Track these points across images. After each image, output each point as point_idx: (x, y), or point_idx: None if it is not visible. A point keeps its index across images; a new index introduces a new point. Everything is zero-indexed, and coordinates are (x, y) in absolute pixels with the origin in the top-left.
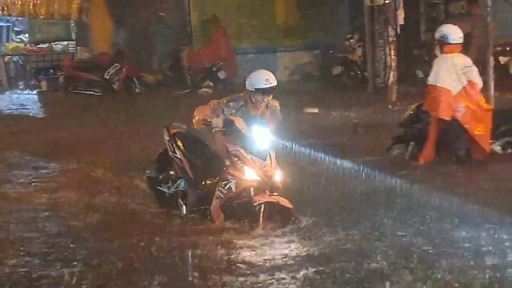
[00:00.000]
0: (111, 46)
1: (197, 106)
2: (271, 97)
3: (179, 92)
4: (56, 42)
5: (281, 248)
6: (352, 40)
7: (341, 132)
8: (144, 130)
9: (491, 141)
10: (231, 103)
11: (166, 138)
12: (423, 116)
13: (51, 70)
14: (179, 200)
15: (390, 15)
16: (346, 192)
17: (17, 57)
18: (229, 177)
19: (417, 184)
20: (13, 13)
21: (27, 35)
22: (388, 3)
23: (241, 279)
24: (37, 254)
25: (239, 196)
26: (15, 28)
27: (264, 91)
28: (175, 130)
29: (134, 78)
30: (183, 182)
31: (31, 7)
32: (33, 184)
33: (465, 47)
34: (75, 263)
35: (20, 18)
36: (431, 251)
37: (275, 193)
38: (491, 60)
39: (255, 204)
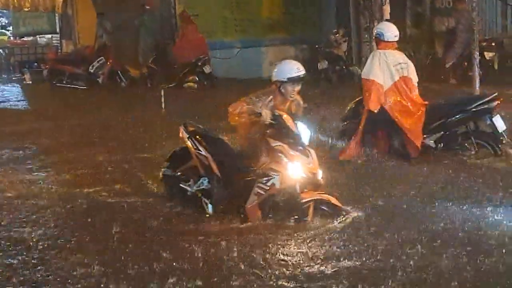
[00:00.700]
0: (96, 39)
1: (183, 100)
2: (300, 86)
3: (164, 85)
4: (40, 35)
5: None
6: (337, 35)
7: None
8: (129, 124)
9: (424, 136)
10: (263, 97)
11: (185, 135)
12: (362, 111)
13: (35, 63)
14: (203, 199)
15: (376, 10)
16: None
17: (0, 50)
18: (272, 173)
19: None
20: None
21: (11, 28)
22: None
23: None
24: None
25: (282, 192)
26: None
27: (296, 80)
28: (193, 128)
29: (119, 72)
30: (206, 180)
31: (15, 0)
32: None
33: (451, 42)
34: None
35: (4, 10)
36: None
37: (322, 191)
38: (477, 55)
39: (303, 201)
